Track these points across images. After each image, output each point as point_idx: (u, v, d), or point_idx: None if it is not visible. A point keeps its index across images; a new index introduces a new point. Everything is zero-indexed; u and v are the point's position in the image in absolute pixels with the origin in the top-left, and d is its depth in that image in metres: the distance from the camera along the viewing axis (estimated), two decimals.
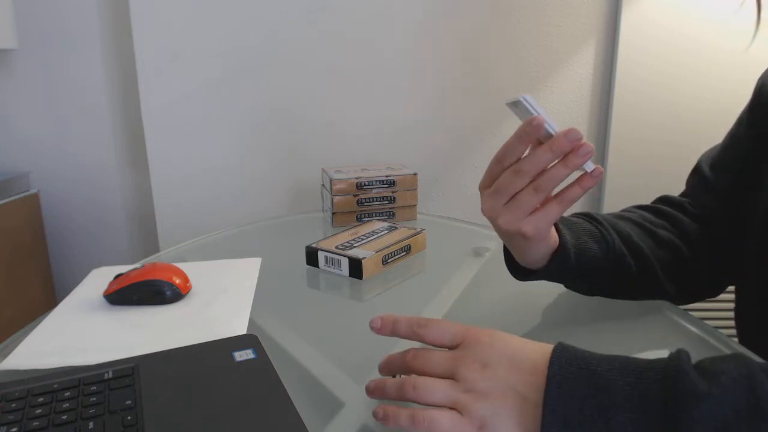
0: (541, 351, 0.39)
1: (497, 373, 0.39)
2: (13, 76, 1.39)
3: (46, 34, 1.36)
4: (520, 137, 0.47)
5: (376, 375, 0.52)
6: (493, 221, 0.50)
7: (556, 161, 0.46)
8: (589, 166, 0.46)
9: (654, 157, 1.36)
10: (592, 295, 0.62)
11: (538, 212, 0.49)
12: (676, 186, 0.71)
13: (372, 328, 0.46)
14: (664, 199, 0.69)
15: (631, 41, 1.30)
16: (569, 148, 0.45)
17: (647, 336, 0.59)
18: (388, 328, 0.46)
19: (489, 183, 0.50)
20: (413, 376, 0.41)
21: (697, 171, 0.69)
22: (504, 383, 0.38)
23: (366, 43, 1.31)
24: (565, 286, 0.62)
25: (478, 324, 0.53)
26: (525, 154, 0.47)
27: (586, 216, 0.61)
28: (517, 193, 0.48)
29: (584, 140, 0.45)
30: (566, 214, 0.57)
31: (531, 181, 0.47)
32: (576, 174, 0.48)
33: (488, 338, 0.41)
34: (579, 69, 1.35)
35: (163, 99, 1.30)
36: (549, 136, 0.46)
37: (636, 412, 0.34)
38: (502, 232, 0.51)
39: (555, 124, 0.46)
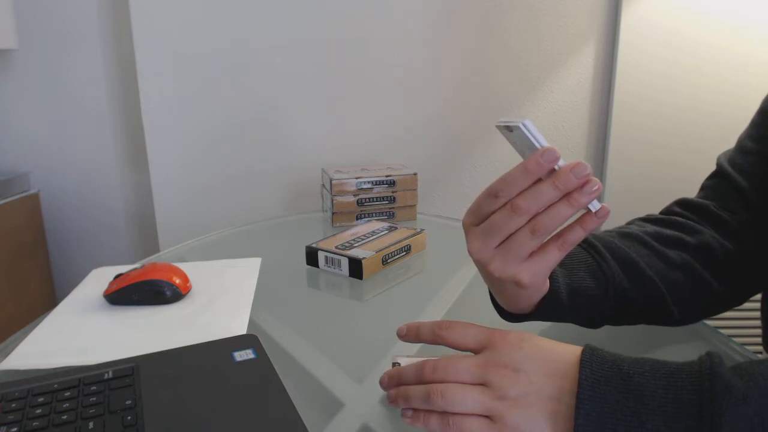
0: (570, 352, 0.39)
1: (530, 378, 0.38)
2: (13, 76, 1.39)
3: (46, 34, 1.36)
4: (528, 170, 0.39)
5: (376, 375, 0.52)
6: (484, 266, 0.43)
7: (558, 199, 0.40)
8: (595, 205, 0.40)
9: (654, 158, 1.36)
10: (593, 328, 0.55)
11: (536, 257, 0.42)
12: (675, 187, 0.69)
13: (398, 336, 0.45)
14: (682, 204, 0.61)
15: (631, 42, 1.30)
16: (575, 185, 0.39)
17: (658, 341, 0.59)
18: (412, 334, 0.45)
19: (478, 219, 0.42)
20: (441, 383, 0.40)
21: (718, 173, 0.62)
22: (536, 388, 0.37)
23: (366, 43, 1.31)
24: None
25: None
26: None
27: (583, 242, 0.54)
28: (511, 234, 0.41)
29: (592, 176, 0.39)
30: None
31: (527, 222, 0.40)
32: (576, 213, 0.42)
33: (516, 341, 0.40)
34: (579, 69, 1.35)
35: (163, 99, 1.30)
36: (552, 169, 0.40)
37: (671, 416, 0.34)
38: (493, 279, 0.44)
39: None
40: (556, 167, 0.39)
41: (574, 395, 0.36)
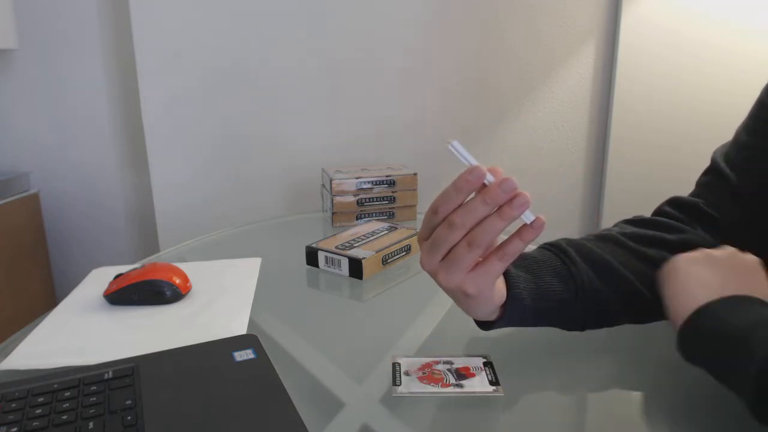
0: None
1: None
2: (13, 76, 1.39)
3: (46, 34, 1.36)
4: (458, 188, 0.42)
5: (376, 375, 0.52)
6: (433, 277, 0.46)
7: (492, 213, 0.42)
8: (529, 217, 0.43)
9: (654, 158, 1.36)
10: (576, 330, 0.55)
11: (479, 269, 0.45)
12: (676, 186, 0.69)
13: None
14: (672, 203, 0.62)
15: (631, 42, 1.30)
16: (504, 200, 0.41)
17: (658, 341, 0.59)
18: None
19: (427, 234, 0.45)
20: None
21: (711, 170, 0.62)
22: None
23: (367, 43, 1.31)
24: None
25: (476, 328, 0.53)
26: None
27: (554, 248, 0.55)
28: (453, 247, 0.44)
29: (520, 190, 0.41)
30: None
31: (465, 235, 0.43)
32: (518, 223, 0.44)
33: None
34: (579, 69, 1.35)
35: (163, 99, 1.30)
36: (483, 185, 0.42)
37: None
38: (444, 289, 0.47)
39: (489, 174, 0.42)
40: (486, 182, 0.42)
41: None
